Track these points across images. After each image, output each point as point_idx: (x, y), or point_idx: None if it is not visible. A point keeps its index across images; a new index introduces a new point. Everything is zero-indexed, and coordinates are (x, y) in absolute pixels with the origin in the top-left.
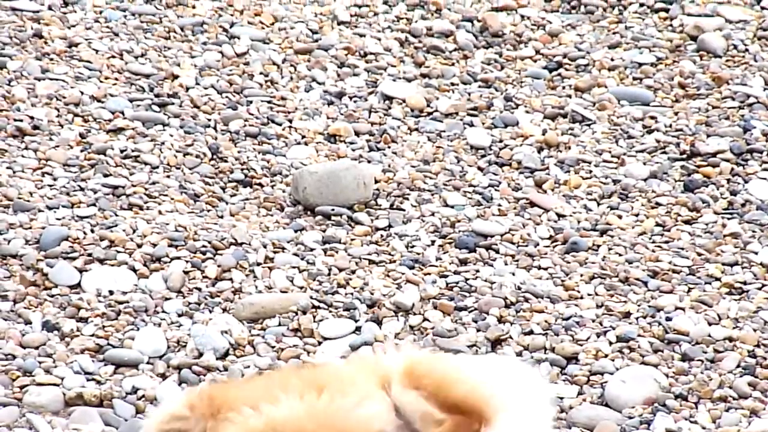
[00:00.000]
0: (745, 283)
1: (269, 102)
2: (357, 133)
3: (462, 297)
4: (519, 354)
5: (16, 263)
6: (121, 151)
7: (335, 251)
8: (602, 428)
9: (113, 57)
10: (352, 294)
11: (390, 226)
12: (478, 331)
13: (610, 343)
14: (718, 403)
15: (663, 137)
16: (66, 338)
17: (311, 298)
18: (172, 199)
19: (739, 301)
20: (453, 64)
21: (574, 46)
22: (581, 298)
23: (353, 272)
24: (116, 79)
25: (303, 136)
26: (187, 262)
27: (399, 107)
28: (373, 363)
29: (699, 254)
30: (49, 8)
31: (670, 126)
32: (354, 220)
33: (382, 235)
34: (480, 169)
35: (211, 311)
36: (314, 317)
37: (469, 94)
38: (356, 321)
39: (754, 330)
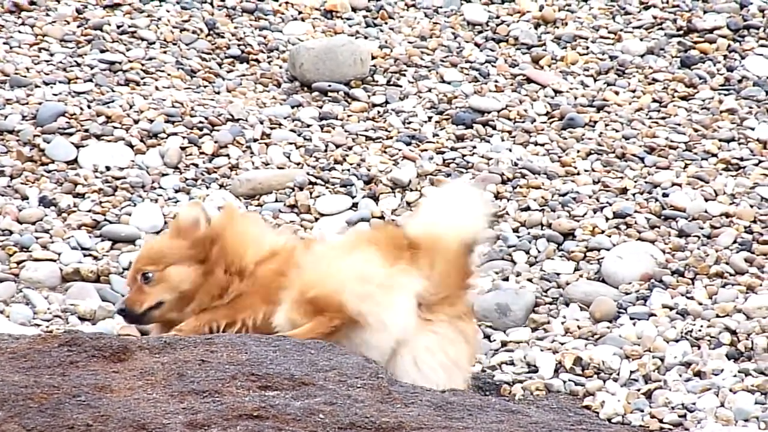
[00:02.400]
0: (741, 159)
1: None
2: (354, 9)
3: (459, 173)
4: (516, 230)
5: (12, 139)
6: (118, 27)
7: (332, 127)
8: (599, 304)
9: None
10: (348, 170)
11: (387, 102)
12: None
13: (607, 219)
14: (714, 279)
15: (660, 13)
16: (63, 214)
17: (308, 174)
18: (169, 75)
19: (735, 177)
20: None
21: None
22: (578, 174)
23: (350, 148)
24: None
25: (300, 12)
26: (183, 138)
27: None
28: None
29: (695, 130)
30: None
31: (667, 2)
32: (351, 96)
33: (378, 112)
34: (477, 45)
35: (208, 187)
36: (311, 193)
37: None
38: (353, 197)
39: (751, 206)
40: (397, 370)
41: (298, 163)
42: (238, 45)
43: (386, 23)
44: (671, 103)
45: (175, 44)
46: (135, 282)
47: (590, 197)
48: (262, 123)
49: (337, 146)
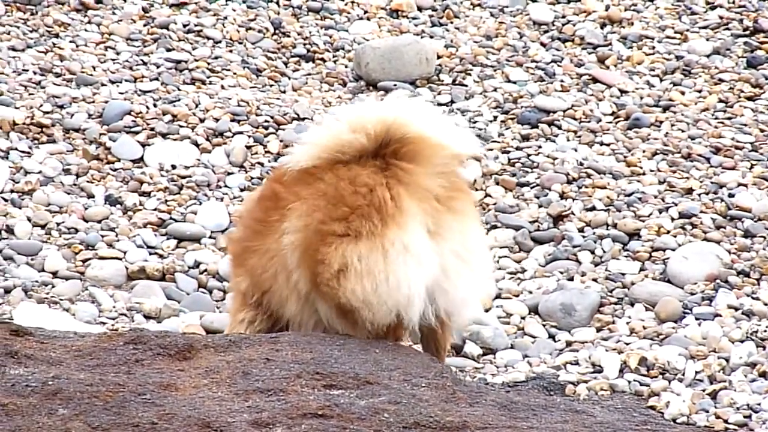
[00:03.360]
0: None
1: None
2: (420, 8)
3: (524, 173)
4: (581, 230)
5: (79, 137)
6: (184, 26)
7: None
8: (664, 304)
9: None
10: None
11: (452, 101)
12: (540, 207)
13: (672, 219)
14: None
15: (726, 13)
16: (128, 212)
17: None
18: (235, 73)
19: None
20: None
21: None
22: (643, 174)
23: None
24: None
25: (365, 11)
26: (249, 136)
27: None
28: None
29: (762, 130)
30: None
31: (733, 2)
32: (416, 95)
33: (444, 111)
34: (543, 44)
35: None
36: None
37: None
38: None
39: None
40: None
41: None
42: (304, 44)
43: (452, 22)
44: (737, 103)
45: (240, 43)
46: None
47: (656, 197)
48: None
49: None
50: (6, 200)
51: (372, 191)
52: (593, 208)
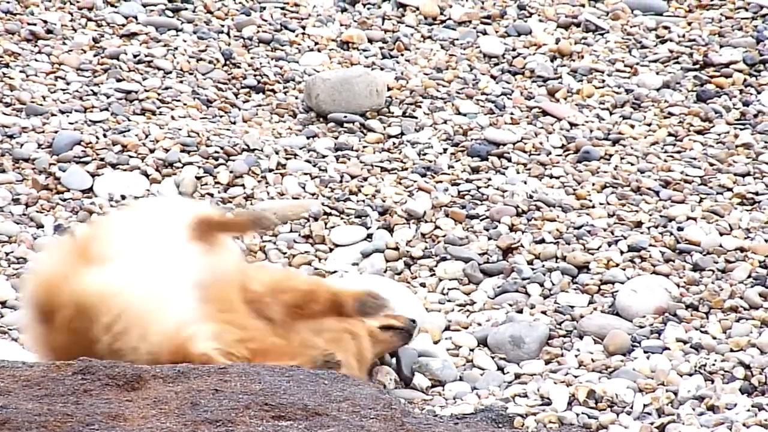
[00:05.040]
0: (756, 193)
1: (282, 8)
2: (370, 41)
3: (474, 205)
4: (530, 262)
5: (28, 167)
6: (135, 56)
7: (347, 158)
8: (613, 337)
9: None
10: (363, 201)
11: (402, 133)
12: (489, 239)
13: (622, 253)
14: (728, 313)
15: (676, 47)
16: None
17: (323, 204)
18: (185, 104)
19: (750, 212)
20: None
21: None
22: (593, 207)
23: (365, 179)
24: None
25: (316, 43)
26: (199, 167)
27: (412, 15)
28: None
29: (711, 164)
30: None
31: (684, 36)
32: (366, 127)
33: (394, 143)
34: (493, 77)
35: None
36: (326, 224)
37: (483, 2)
38: (368, 228)
39: (766, 240)
40: None
41: (313, 194)
42: (255, 75)
43: (402, 55)
44: (687, 137)
45: (191, 74)
46: None
47: (605, 230)
48: (277, 153)
49: (353, 177)
50: None
51: None
52: (542, 241)
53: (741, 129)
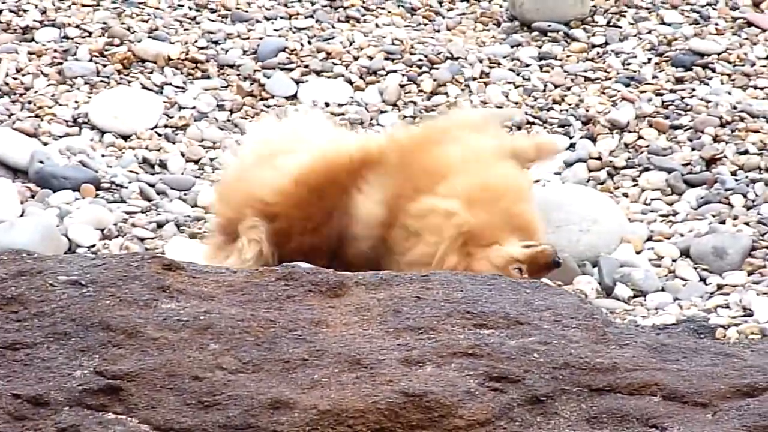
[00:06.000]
0: None
1: None
2: None
3: (677, 115)
4: (733, 173)
5: (233, 73)
6: None
7: (551, 67)
8: None
9: None
10: (566, 110)
11: (606, 43)
12: (692, 149)
13: None
14: None
15: None
16: None
17: (526, 114)
18: (389, 12)
19: None
20: None
21: None
22: None
23: (568, 89)
24: None
25: None
26: (403, 75)
27: None
28: None
29: None
30: None
31: None
32: (570, 36)
33: (598, 52)
34: None
35: None
36: (528, 133)
37: None
38: (570, 137)
39: None
40: None
41: (516, 103)
42: None
43: None
44: None
45: None
46: None
47: None
48: (481, 62)
49: (556, 86)
50: (159, 135)
51: None
52: (746, 152)
53: None
